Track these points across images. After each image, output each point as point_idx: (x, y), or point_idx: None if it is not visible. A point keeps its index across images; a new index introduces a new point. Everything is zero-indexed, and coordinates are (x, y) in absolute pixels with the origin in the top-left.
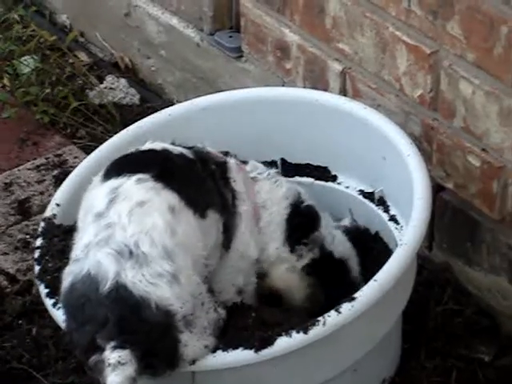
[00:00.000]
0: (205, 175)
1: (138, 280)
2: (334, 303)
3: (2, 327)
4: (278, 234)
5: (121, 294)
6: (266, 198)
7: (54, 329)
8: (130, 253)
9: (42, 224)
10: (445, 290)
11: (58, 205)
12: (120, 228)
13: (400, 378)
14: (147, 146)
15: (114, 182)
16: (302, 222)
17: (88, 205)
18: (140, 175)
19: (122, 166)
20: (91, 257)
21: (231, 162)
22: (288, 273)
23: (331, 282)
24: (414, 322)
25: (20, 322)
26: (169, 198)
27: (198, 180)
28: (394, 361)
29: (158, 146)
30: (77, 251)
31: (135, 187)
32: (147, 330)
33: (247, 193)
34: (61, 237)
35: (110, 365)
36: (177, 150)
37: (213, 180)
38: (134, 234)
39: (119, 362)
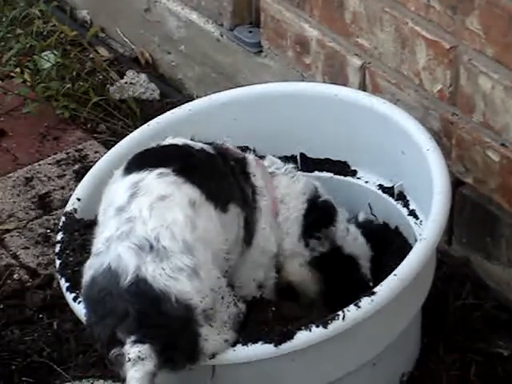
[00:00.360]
0: (225, 170)
1: (158, 274)
2: (339, 299)
3: (22, 321)
4: (295, 228)
5: (141, 287)
6: (285, 193)
7: (75, 323)
8: (151, 247)
9: (63, 218)
10: (464, 284)
11: (78, 199)
12: (141, 222)
13: (419, 373)
14: (168, 141)
15: (135, 177)
16: (318, 217)
17: (109, 199)
18: (161, 169)
19: (143, 161)
20: (112, 250)
21: (250, 157)
22: (301, 267)
23: (337, 277)
24: (433, 317)
25: (41, 315)
26: (189, 192)
27: (218, 174)
28: (413, 355)
29: (179, 141)
30: (98, 245)
31: (156, 181)
32: (167, 324)
33: (267, 188)
34: (81, 231)
35: (129, 360)
36: (198, 145)
37: (233, 175)
38: (154, 228)
39: (139, 357)
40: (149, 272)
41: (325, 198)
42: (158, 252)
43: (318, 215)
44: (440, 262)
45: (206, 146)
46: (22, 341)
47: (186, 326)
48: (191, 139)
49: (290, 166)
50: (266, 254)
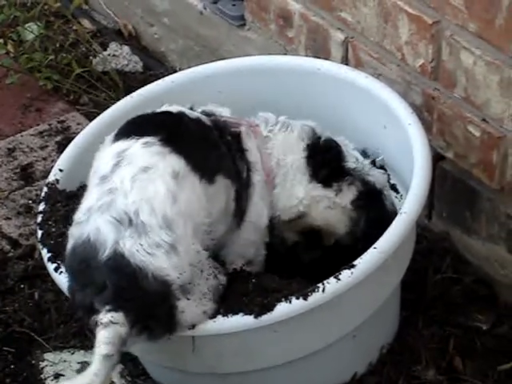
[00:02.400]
0: (217, 142)
1: (135, 249)
2: (373, 238)
3: (4, 291)
4: (300, 176)
5: (118, 262)
6: (281, 152)
7: (56, 293)
8: (130, 221)
9: (45, 189)
10: (444, 258)
11: (60, 170)
12: (122, 194)
13: (398, 345)
14: (164, 108)
15: (121, 145)
16: (325, 157)
17: (96, 165)
18: (147, 138)
19: (132, 128)
20: (92, 222)
21: (244, 131)
22: (328, 210)
23: (376, 215)
24: (413, 291)
25: (22, 286)
26: (174, 163)
27: (208, 145)
28: (392, 328)
29: (174, 108)
30: (79, 214)
31: (141, 151)
32: (143, 298)
33: (261, 160)
34: (64, 202)
35: (101, 324)
36: (194, 114)
37: (228, 150)
38: (134, 202)
39: (111, 322)
40: (126, 247)
41: (325, 136)
42: (136, 227)
43: (325, 155)
44: (420, 237)
45: (202, 117)
46: (3, 311)
47: (162, 299)
48: (190, 108)
49: (283, 117)
50: (257, 231)
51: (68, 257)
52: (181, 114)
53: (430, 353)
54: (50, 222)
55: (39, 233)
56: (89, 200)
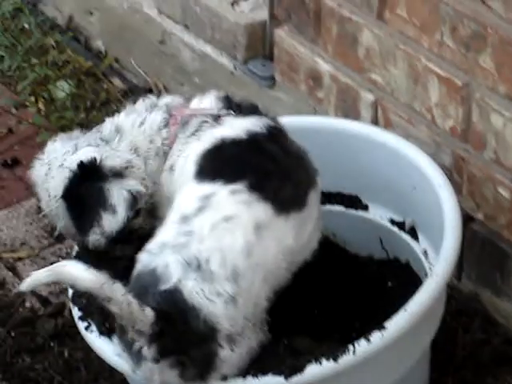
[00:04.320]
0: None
1: (195, 291)
2: None
3: (33, 349)
4: None
5: (175, 296)
6: None
7: (86, 351)
8: (199, 266)
9: (76, 248)
10: (473, 319)
11: None
12: (198, 239)
13: None
14: (228, 131)
15: (207, 189)
16: None
17: (179, 201)
18: (235, 186)
19: (217, 168)
20: (162, 257)
21: None
22: None
23: None
24: (442, 351)
25: (52, 344)
26: (259, 213)
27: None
28: None
29: (236, 133)
30: (153, 245)
31: (227, 200)
32: (186, 333)
33: None
34: (94, 261)
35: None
36: (262, 129)
37: None
38: (208, 249)
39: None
40: (187, 287)
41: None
42: (203, 273)
43: None
44: (449, 297)
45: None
46: (32, 369)
47: (204, 342)
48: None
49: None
50: None
51: (132, 280)
52: (255, 141)
53: None
54: None
55: (70, 292)
56: (165, 235)
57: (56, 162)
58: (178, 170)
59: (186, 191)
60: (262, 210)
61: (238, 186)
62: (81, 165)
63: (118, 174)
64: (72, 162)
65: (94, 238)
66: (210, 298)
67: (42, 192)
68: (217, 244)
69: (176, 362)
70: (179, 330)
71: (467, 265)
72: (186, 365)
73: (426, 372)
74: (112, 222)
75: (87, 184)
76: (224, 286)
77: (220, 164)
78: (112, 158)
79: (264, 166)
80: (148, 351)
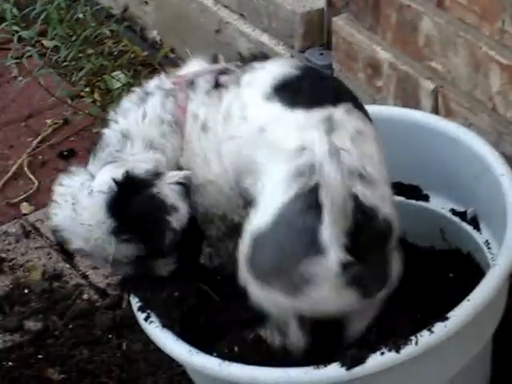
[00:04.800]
0: None
1: (368, 194)
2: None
3: (91, 341)
4: None
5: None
6: None
7: (144, 343)
8: (360, 174)
9: None
10: None
11: None
12: (347, 154)
13: None
14: (282, 68)
15: (319, 113)
16: None
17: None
18: (344, 106)
19: (315, 96)
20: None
21: None
22: None
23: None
24: (505, 343)
25: (110, 336)
26: (371, 127)
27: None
28: (484, 381)
29: (291, 68)
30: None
31: (349, 118)
32: (372, 238)
33: None
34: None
35: None
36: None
37: None
38: (359, 159)
39: None
40: (359, 192)
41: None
42: (365, 178)
43: None
44: (510, 287)
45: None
46: (90, 361)
47: (384, 242)
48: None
49: None
50: None
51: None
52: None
53: None
54: None
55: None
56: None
57: (80, 193)
58: (220, 125)
59: (283, 125)
60: (370, 125)
61: (348, 106)
62: (118, 181)
63: (155, 175)
64: (101, 184)
65: (168, 240)
66: (380, 200)
67: (74, 233)
68: (363, 154)
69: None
70: (367, 235)
71: None
72: (366, 279)
73: (488, 363)
74: (179, 219)
75: (136, 198)
76: (385, 189)
77: (308, 92)
78: (138, 166)
79: (341, 90)
80: None
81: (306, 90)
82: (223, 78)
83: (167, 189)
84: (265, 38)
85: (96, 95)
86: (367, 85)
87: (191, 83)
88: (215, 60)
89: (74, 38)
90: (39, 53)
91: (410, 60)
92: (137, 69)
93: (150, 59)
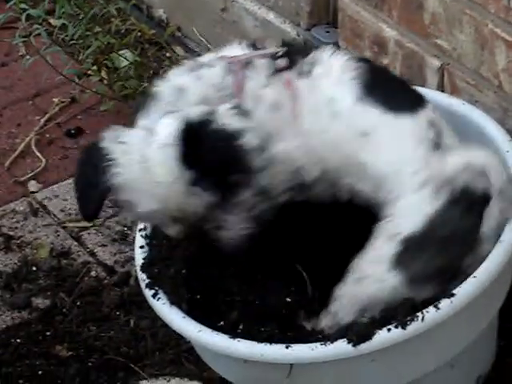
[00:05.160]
0: None
1: None
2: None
3: (99, 318)
4: None
5: None
6: None
7: (152, 320)
8: None
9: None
10: None
11: None
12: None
13: (495, 375)
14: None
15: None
16: None
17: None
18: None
19: (408, 99)
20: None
21: None
22: None
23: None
24: (510, 319)
25: (117, 313)
26: None
27: None
28: (489, 358)
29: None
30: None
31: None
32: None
33: None
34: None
35: None
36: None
37: None
38: None
39: None
40: None
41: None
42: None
43: None
44: None
45: None
46: (98, 338)
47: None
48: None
49: None
50: None
51: None
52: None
53: None
54: (148, 248)
55: (139, 260)
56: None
57: (148, 150)
58: (305, 116)
59: (391, 132)
60: None
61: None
62: (182, 129)
63: (210, 113)
64: (167, 137)
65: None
66: None
67: (146, 193)
68: None
69: None
70: None
71: None
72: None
73: (494, 340)
74: (249, 139)
75: (203, 140)
76: None
77: (395, 91)
78: (192, 110)
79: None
80: None
81: (391, 89)
82: (279, 62)
83: (226, 117)
84: (271, 16)
85: (103, 73)
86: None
87: (247, 63)
88: (255, 46)
89: (81, 17)
90: (47, 31)
91: (416, 37)
92: (144, 47)
93: (157, 37)
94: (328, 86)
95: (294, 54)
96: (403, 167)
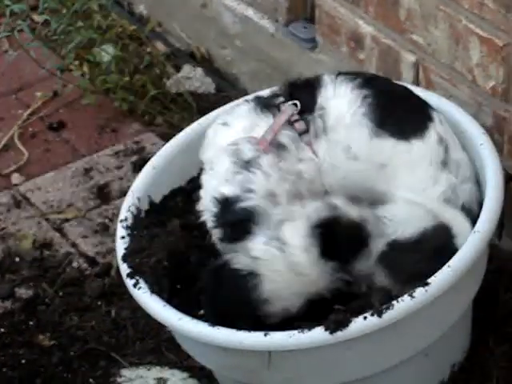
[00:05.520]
0: None
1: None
2: None
3: (81, 308)
4: None
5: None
6: None
7: (133, 310)
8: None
9: (126, 207)
10: None
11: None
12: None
13: (469, 364)
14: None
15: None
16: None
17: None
18: (433, 111)
19: (411, 116)
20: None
21: None
22: None
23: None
24: (484, 309)
25: (99, 303)
26: None
27: None
28: (464, 347)
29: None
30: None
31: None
32: None
33: None
34: (144, 220)
35: None
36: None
37: None
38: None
39: None
40: None
41: (245, 205)
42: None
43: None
44: (490, 256)
45: None
46: (80, 327)
47: None
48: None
49: None
50: None
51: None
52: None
53: (501, 371)
54: (129, 239)
55: (120, 250)
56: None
57: (288, 256)
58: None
59: (405, 158)
60: None
61: (434, 111)
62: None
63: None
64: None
65: None
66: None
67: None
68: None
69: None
70: None
71: (508, 224)
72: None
73: (468, 329)
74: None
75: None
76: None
77: (404, 114)
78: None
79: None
80: None
81: (400, 112)
82: (298, 127)
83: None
84: (250, 12)
85: (85, 68)
86: (350, 58)
87: (278, 145)
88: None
89: (63, 12)
90: (30, 27)
91: (392, 33)
92: (125, 42)
93: (138, 33)
94: (343, 135)
95: (303, 99)
96: (414, 186)
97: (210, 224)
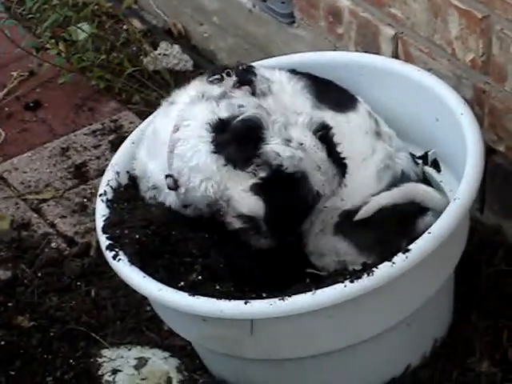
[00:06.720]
0: None
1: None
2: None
3: (61, 289)
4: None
5: None
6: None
7: (113, 290)
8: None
9: (106, 181)
10: (496, 251)
11: (117, 172)
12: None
13: (452, 338)
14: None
15: (362, 108)
16: (231, 138)
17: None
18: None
19: (340, 95)
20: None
21: None
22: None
23: (278, 202)
24: (466, 284)
25: (78, 283)
26: None
27: None
28: (446, 320)
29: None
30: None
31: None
32: None
33: None
34: (123, 194)
35: None
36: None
37: None
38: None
39: None
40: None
41: (247, 115)
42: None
43: (232, 136)
44: (472, 230)
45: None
46: (60, 308)
47: None
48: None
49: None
50: None
51: None
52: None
53: (483, 345)
54: (109, 212)
55: (99, 223)
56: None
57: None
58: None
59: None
60: None
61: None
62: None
63: None
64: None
65: None
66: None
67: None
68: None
69: None
70: None
71: (490, 197)
72: None
73: (451, 303)
74: None
75: None
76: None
77: (335, 92)
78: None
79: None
80: None
81: (332, 92)
82: (245, 89)
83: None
84: None
85: (61, 46)
86: (328, 32)
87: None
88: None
89: None
90: (4, 5)
91: (370, 7)
92: (101, 20)
93: (114, 10)
94: (288, 100)
95: (241, 76)
96: (356, 156)
97: (204, 156)
